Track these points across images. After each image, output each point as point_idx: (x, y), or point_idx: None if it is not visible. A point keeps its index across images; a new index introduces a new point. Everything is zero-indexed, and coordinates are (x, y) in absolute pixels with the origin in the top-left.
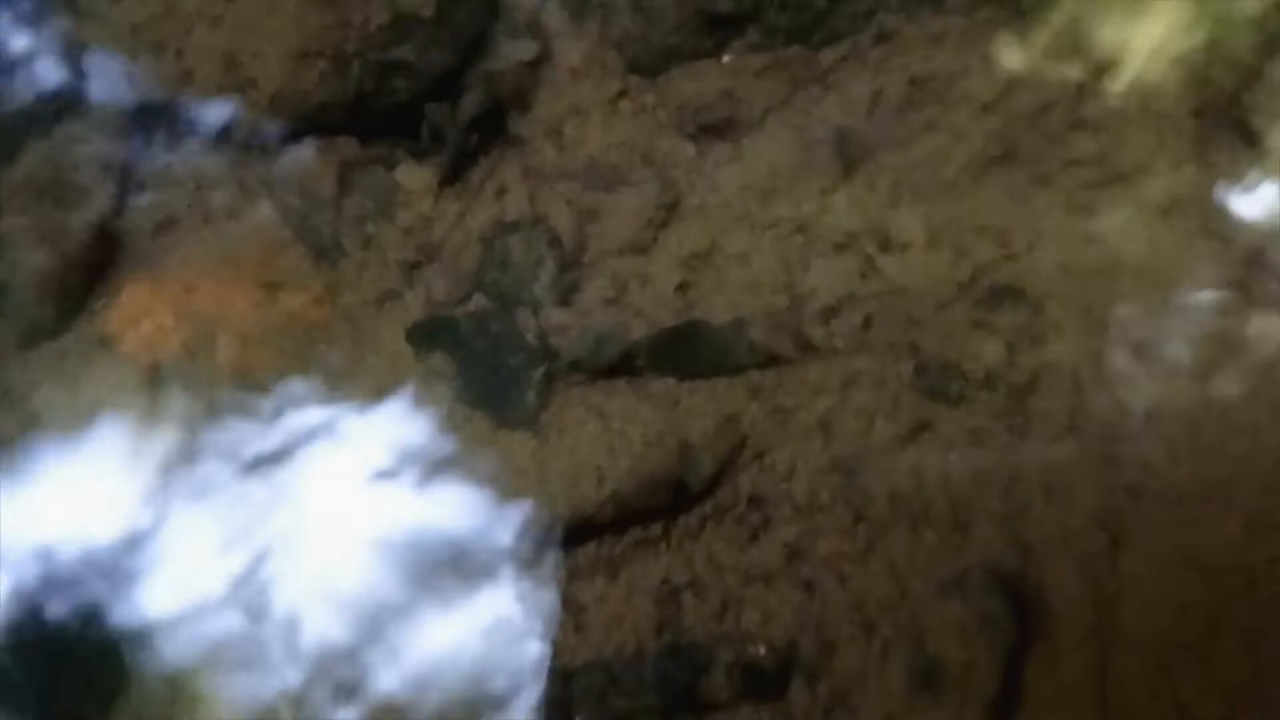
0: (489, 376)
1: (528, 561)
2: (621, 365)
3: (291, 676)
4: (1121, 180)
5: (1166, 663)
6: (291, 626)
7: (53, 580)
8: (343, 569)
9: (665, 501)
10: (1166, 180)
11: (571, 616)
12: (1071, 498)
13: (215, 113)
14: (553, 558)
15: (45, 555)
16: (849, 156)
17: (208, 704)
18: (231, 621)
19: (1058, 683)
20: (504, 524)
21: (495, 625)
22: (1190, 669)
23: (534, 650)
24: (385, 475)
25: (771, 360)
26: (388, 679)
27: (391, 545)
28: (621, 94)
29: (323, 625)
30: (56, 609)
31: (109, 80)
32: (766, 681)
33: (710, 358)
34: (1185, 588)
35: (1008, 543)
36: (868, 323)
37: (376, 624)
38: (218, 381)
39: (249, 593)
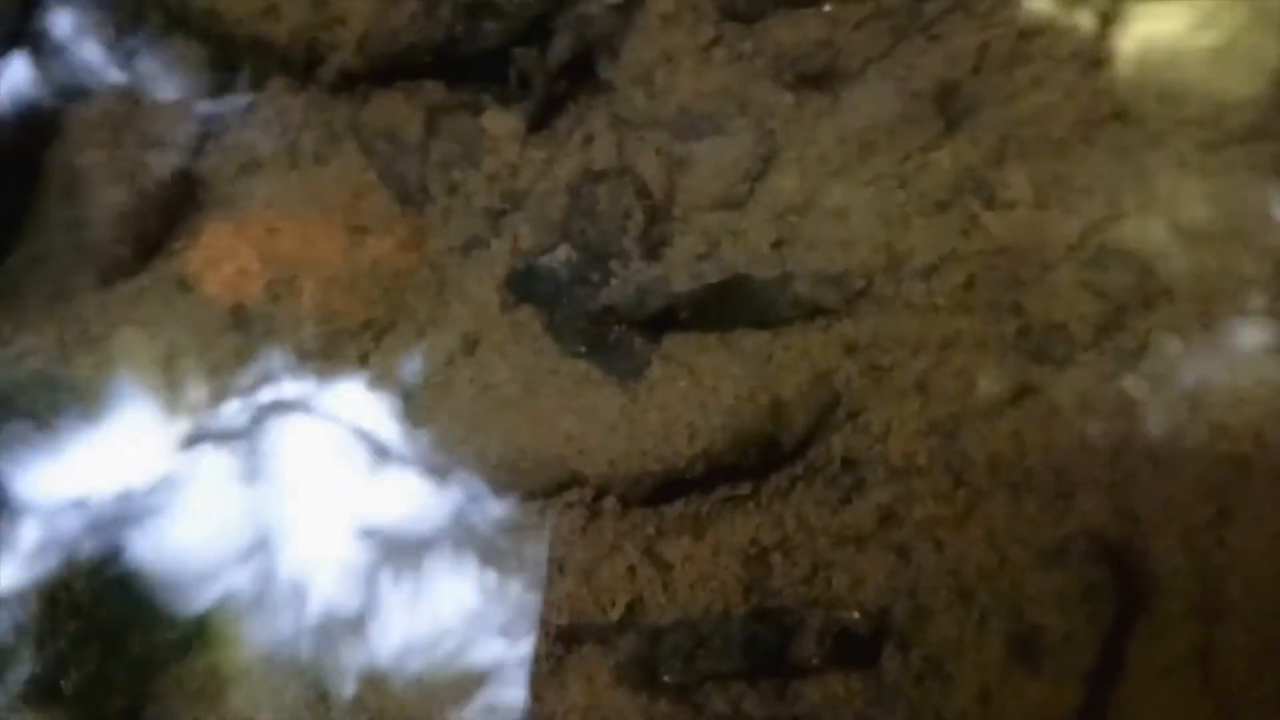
0: (588, 328)
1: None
2: (664, 317)
3: (307, 632)
4: (1235, 142)
5: (1274, 641)
6: (342, 579)
7: (118, 527)
8: (405, 515)
9: (756, 460)
10: None
11: (658, 574)
12: (1180, 467)
13: (301, 52)
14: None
15: (116, 500)
16: (953, 111)
17: (227, 645)
18: (259, 573)
19: (1160, 657)
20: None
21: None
22: None
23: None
24: (461, 427)
25: (817, 313)
26: (409, 629)
27: (459, 501)
28: (715, 41)
29: (376, 576)
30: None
31: (194, 17)
32: (858, 647)
33: (755, 311)
34: None
35: (1112, 512)
36: (970, 282)
37: (427, 577)
38: (302, 326)
39: (306, 545)
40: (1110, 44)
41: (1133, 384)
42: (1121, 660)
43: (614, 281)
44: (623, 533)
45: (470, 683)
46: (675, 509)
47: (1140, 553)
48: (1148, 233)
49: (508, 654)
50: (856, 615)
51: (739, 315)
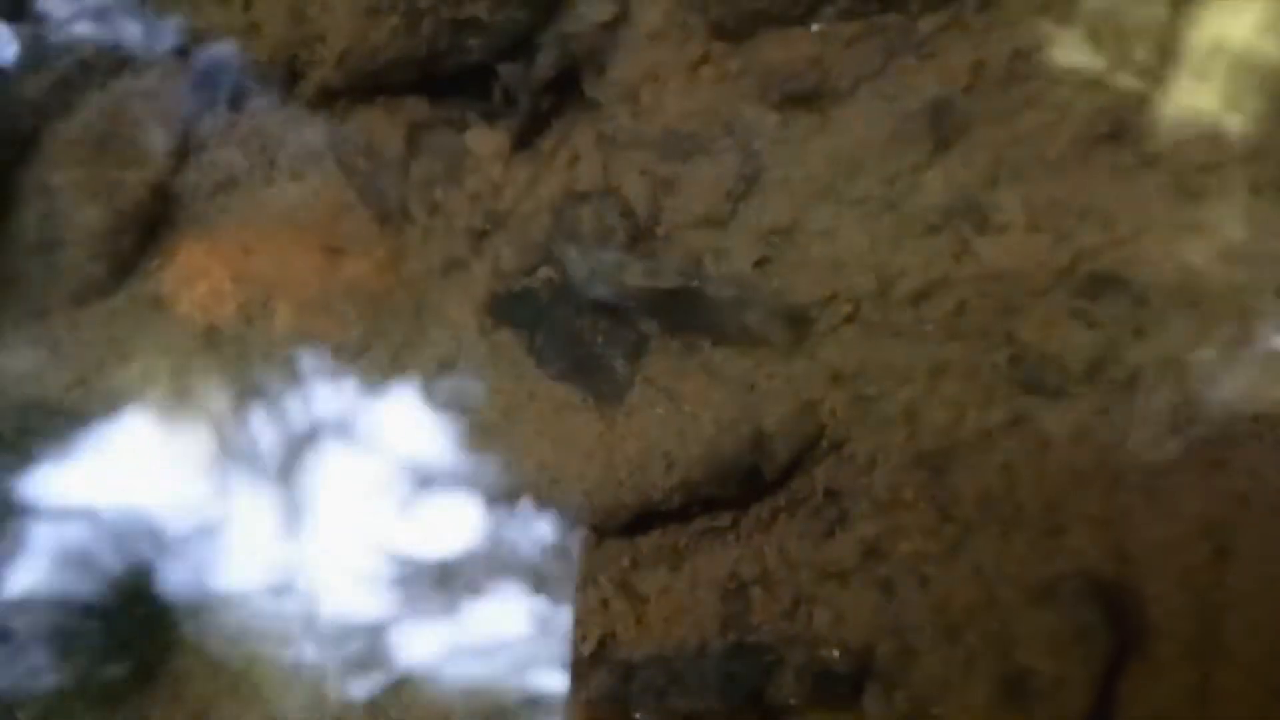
0: (570, 351)
1: (575, 551)
2: (608, 304)
3: (323, 655)
4: (1237, 163)
5: (1274, 685)
6: (325, 606)
7: (99, 546)
8: (383, 545)
9: (736, 491)
10: None
11: (632, 608)
12: (1175, 503)
13: (281, 68)
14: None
15: (93, 520)
16: (945, 131)
17: (245, 674)
18: (268, 599)
19: (1155, 702)
20: (555, 508)
21: (530, 614)
22: None
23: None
24: (438, 454)
25: (762, 345)
26: (416, 662)
27: (435, 526)
28: (703, 59)
29: (354, 604)
30: (102, 574)
31: (172, 33)
32: (839, 687)
33: (700, 327)
34: None
35: (1105, 550)
36: (960, 308)
37: (407, 604)
38: (275, 348)
39: (289, 570)
40: (1107, 61)
41: (1127, 417)
42: (1115, 705)
43: (574, 254)
44: (597, 564)
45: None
46: (652, 540)
47: (1134, 592)
48: (1144, 259)
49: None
50: (838, 654)
51: (684, 325)
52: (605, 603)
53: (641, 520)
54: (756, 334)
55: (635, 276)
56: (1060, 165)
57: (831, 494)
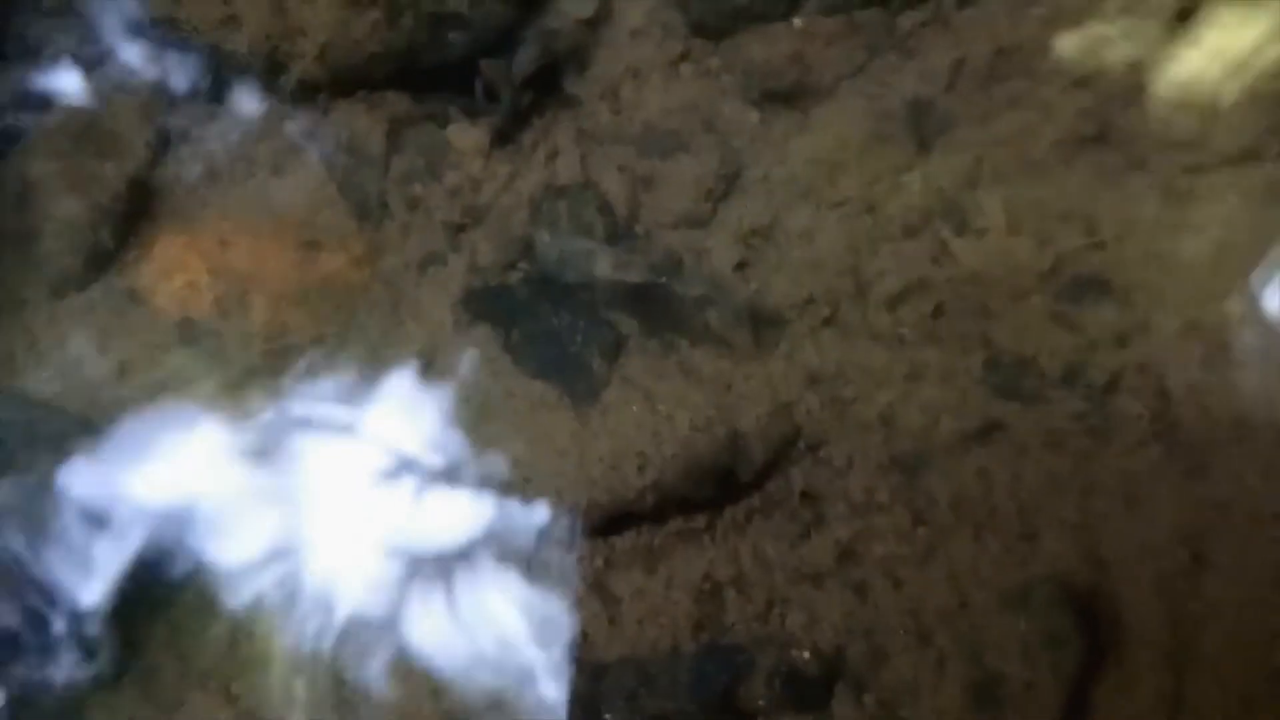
0: (546, 348)
1: (552, 549)
2: (576, 291)
3: (294, 648)
4: (1225, 166)
5: (1248, 695)
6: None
7: (69, 539)
8: (367, 540)
9: (711, 492)
10: (1274, 168)
11: (605, 609)
12: (1152, 510)
13: (262, 61)
14: (579, 547)
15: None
16: (926, 131)
17: (262, 648)
18: (269, 580)
19: (1127, 710)
20: (533, 508)
21: (514, 611)
22: (1274, 703)
23: (552, 641)
24: (416, 449)
25: (724, 346)
26: (382, 657)
27: (415, 520)
28: (684, 56)
29: (349, 592)
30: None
31: (152, 26)
32: (809, 689)
33: (663, 322)
34: (1272, 614)
35: (1080, 555)
36: (938, 311)
37: (380, 596)
38: (251, 342)
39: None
40: (1093, 61)
41: (1104, 422)
42: (1087, 712)
43: (547, 238)
44: (569, 564)
45: None
46: (626, 540)
47: (1109, 599)
48: (1126, 263)
49: None
50: (807, 655)
51: (650, 319)
52: (579, 603)
53: (616, 520)
54: (718, 335)
55: (604, 268)
56: (1042, 166)
57: (807, 496)
